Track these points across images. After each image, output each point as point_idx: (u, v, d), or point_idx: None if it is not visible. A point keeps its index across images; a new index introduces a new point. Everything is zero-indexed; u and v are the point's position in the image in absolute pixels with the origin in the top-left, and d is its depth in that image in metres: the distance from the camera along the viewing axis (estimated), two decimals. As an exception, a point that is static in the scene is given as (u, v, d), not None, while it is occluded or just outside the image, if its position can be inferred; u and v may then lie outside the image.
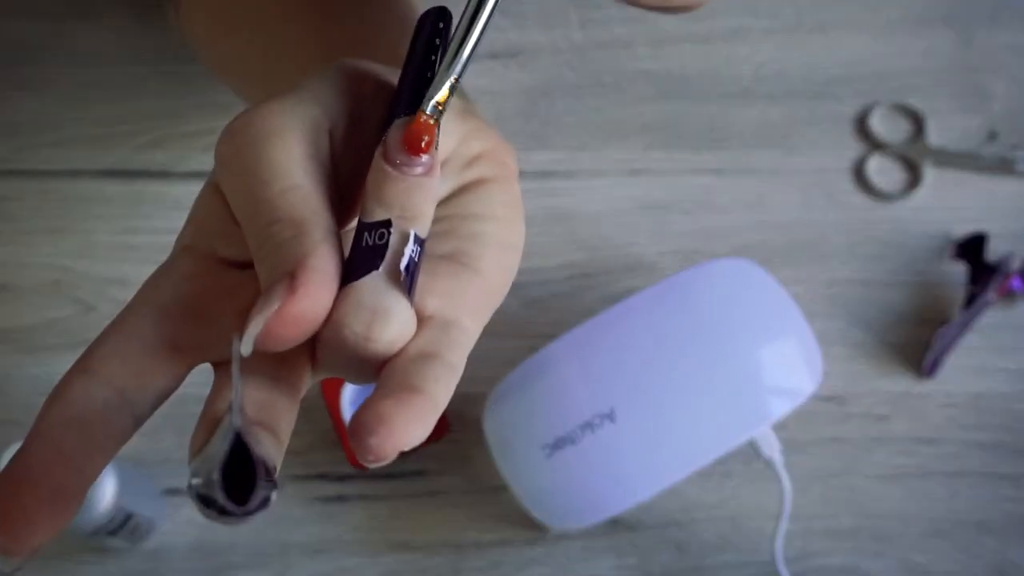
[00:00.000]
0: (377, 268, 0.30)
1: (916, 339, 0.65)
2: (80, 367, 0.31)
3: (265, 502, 0.28)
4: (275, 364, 0.32)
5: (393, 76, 0.35)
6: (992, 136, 0.70)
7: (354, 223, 0.33)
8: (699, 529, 0.62)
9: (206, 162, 0.67)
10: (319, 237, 0.30)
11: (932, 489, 0.63)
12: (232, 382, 0.28)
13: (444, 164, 0.36)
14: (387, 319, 0.30)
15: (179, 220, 0.72)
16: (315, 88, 0.34)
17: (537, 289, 0.66)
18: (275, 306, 0.29)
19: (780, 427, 0.59)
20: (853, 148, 0.70)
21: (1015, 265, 0.65)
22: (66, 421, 0.30)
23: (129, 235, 0.67)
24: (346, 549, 0.62)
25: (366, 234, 0.31)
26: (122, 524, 0.57)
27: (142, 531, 0.59)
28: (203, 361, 0.32)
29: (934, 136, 0.70)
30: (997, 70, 0.71)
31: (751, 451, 0.58)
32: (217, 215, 0.33)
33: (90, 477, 0.30)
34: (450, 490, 0.63)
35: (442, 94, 0.32)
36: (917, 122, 0.70)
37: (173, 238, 0.69)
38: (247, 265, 0.32)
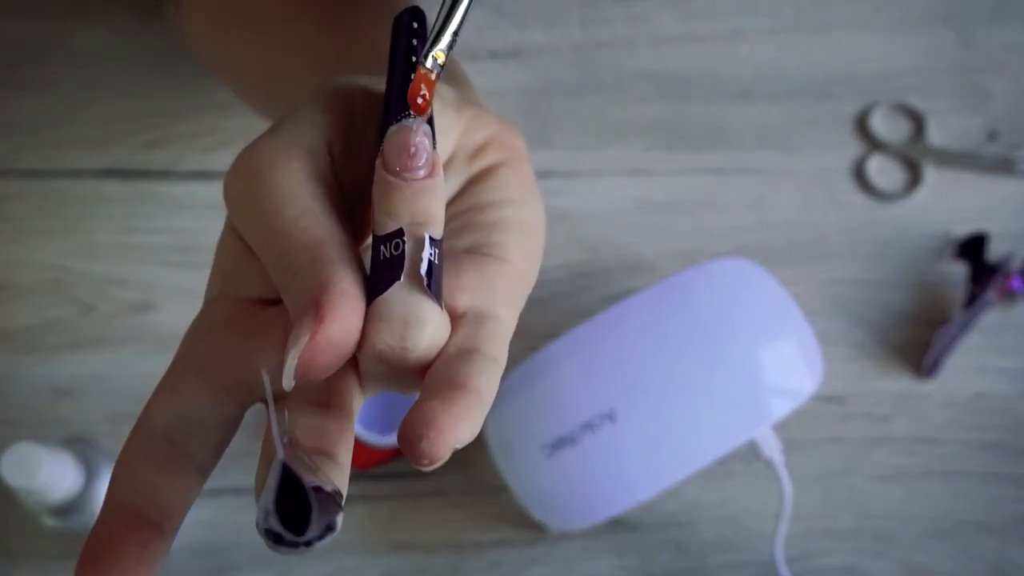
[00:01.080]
0: (399, 278, 0.30)
1: (916, 339, 0.65)
2: (138, 430, 0.32)
3: (329, 528, 0.28)
4: (323, 389, 0.32)
5: (382, 85, 0.35)
6: (992, 136, 0.70)
7: (370, 240, 0.33)
8: (699, 529, 0.62)
9: (206, 162, 0.68)
10: (337, 256, 0.30)
11: (932, 489, 0.63)
12: (270, 417, 0.28)
13: (450, 159, 0.36)
14: (420, 325, 0.30)
15: (179, 220, 0.72)
16: (307, 112, 0.34)
17: (537, 289, 0.65)
18: (306, 337, 0.29)
19: (780, 427, 0.59)
20: (853, 148, 0.70)
21: (1015, 265, 0.65)
22: (134, 486, 0.31)
23: (129, 235, 0.67)
24: (346, 549, 0.62)
25: (382, 247, 0.31)
26: (122, 524, 0.57)
27: (142, 531, 0.59)
28: (255, 402, 0.33)
29: (934, 136, 0.70)
30: (997, 70, 0.71)
31: (751, 451, 0.58)
32: (239, 257, 0.33)
33: (168, 533, 0.30)
34: (450, 490, 0.63)
35: (439, 50, 0.31)
36: (917, 122, 0.70)
37: (173, 238, 0.70)
38: (279, 300, 0.33)
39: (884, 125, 0.70)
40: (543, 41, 0.71)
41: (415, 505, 0.62)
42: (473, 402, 0.30)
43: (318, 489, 0.28)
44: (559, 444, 0.57)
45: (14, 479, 0.51)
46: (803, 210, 0.68)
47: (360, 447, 0.61)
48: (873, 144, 0.70)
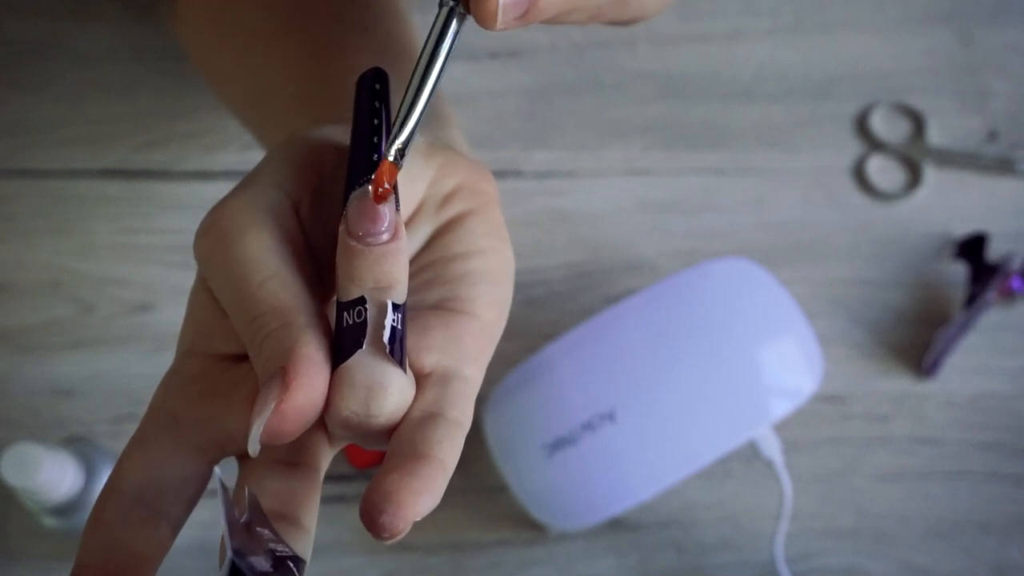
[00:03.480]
0: (362, 346, 0.30)
1: (916, 339, 0.65)
2: (109, 488, 0.32)
3: None
4: (290, 449, 0.32)
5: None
6: (992, 136, 0.70)
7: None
8: (699, 529, 0.62)
9: (206, 162, 0.68)
10: (303, 323, 0.31)
11: (932, 489, 0.63)
12: (223, 512, 0.29)
13: (419, 208, 0.36)
14: (383, 393, 0.31)
15: (179, 220, 0.72)
16: (273, 171, 0.34)
17: (537, 289, 0.65)
18: (272, 404, 0.29)
19: (780, 427, 0.59)
20: (853, 148, 0.70)
21: (1015, 265, 0.65)
22: (106, 546, 0.31)
23: (129, 235, 0.67)
24: (346, 549, 0.62)
25: (345, 314, 0.31)
26: (122, 524, 0.57)
27: (142, 531, 0.59)
28: (225, 456, 0.33)
29: (934, 136, 0.70)
30: (997, 70, 0.71)
31: (751, 451, 0.58)
32: (211, 313, 0.34)
33: None
34: (450, 490, 0.62)
35: (401, 141, 0.31)
36: (917, 122, 0.70)
37: (173, 238, 0.70)
38: (248, 357, 0.33)
39: (884, 125, 0.70)
40: (543, 41, 0.71)
41: (415, 505, 0.62)
42: (435, 472, 0.30)
43: (279, 560, 0.28)
44: (559, 444, 0.57)
45: (14, 479, 0.51)
46: (803, 210, 0.68)
47: (360, 447, 0.61)
48: (873, 144, 0.70)
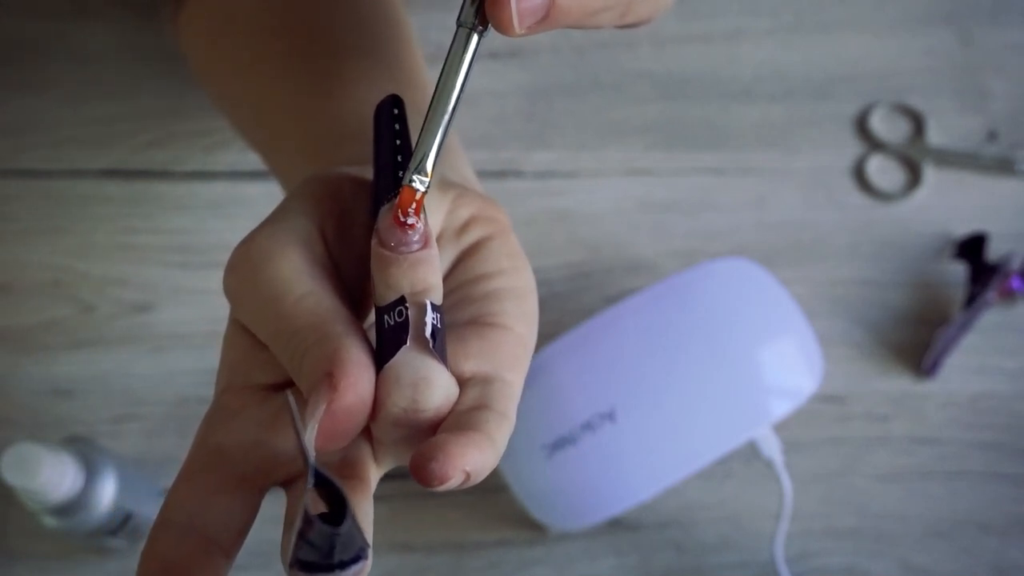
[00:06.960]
0: (405, 342, 0.31)
1: (916, 339, 0.65)
2: (161, 522, 0.32)
3: (359, 554, 0.29)
4: (339, 465, 0.33)
5: (367, 172, 0.36)
6: (992, 136, 0.70)
7: (371, 320, 0.33)
8: (699, 529, 0.62)
9: (206, 162, 0.68)
10: (342, 330, 0.31)
11: (932, 489, 0.63)
12: (296, 434, 0.29)
13: (439, 237, 0.37)
14: (429, 385, 0.31)
15: (179, 220, 0.72)
16: (296, 204, 0.35)
17: (537, 289, 0.65)
18: (323, 406, 0.30)
19: (780, 427, 0.59)
20: (853, 148, 0.70)
21: (1015, 265, 0.65)
22: (164, 573, 0.31)
23: (129, 235, 0.67)
24: (346, 549, 0.61)
25: (385, 317, 0.32)
26: (122, 524, 0.57)
27: (142, 531, 0.59)
28: (272, 485, 0.33)
29: (934, 136, 0.70)
30: (997, 70, 0.71)
31: (751, 451, 0.58)
32: (245, 348, 0.34)
33: None
34: (450, 490, 0.63)
35: (420, 163, 0.32)
36: (917, 122, 0.70)
37: (173, 238, 0.69)
38: (287, 384, 0.33)
39: (884, 125, 0.70)
40: (543, 41, 0.71)
41: (415, 505, 0.62)
42: (483, 439, 0.31)
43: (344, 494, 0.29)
44: (559, 444, 0.57)
45: (14, 479, 0.51)
46: (803, 210, 0.68)
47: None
48: (873, 144, 0.70)
